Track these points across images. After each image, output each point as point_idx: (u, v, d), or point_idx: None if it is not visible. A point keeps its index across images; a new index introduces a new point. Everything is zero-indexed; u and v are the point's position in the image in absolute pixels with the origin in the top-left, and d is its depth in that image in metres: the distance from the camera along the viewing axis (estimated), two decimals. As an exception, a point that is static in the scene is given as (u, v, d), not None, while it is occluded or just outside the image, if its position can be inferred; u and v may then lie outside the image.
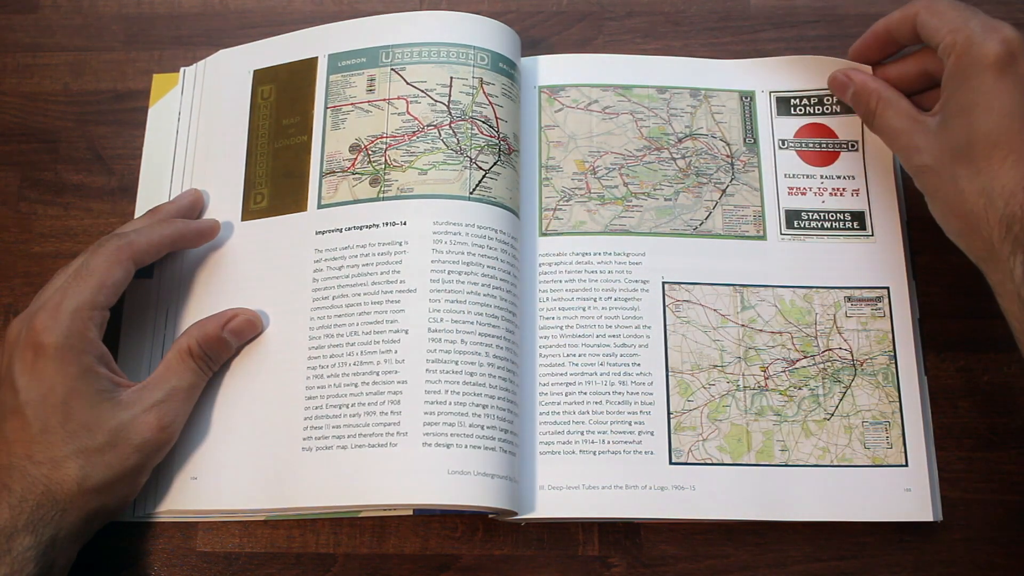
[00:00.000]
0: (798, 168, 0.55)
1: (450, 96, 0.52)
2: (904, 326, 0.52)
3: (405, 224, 0.50)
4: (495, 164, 0.52)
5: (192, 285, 0.52)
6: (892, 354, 0.51)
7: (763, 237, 0.53)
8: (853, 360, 0.51)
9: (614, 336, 0.51)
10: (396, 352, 0.47)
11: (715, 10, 0.60)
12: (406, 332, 0.48)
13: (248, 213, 0.53)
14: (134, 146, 0.57)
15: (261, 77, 0.56)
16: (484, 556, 0.49)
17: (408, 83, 0.53)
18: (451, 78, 0.52)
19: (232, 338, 0.49)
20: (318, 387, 0.48)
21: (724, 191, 0.54)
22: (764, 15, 0.60)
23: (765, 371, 0.51)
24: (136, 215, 0.55)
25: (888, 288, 0.52)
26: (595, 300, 0.52)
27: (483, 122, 0.52)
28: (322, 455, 0.47)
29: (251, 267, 0.52)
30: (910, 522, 0.48)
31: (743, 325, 0.52)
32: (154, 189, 0.55)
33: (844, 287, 0.52)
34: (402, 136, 0.52)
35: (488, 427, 0.47)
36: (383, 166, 0.51)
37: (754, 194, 0.54)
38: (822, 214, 0.54)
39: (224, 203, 0.54)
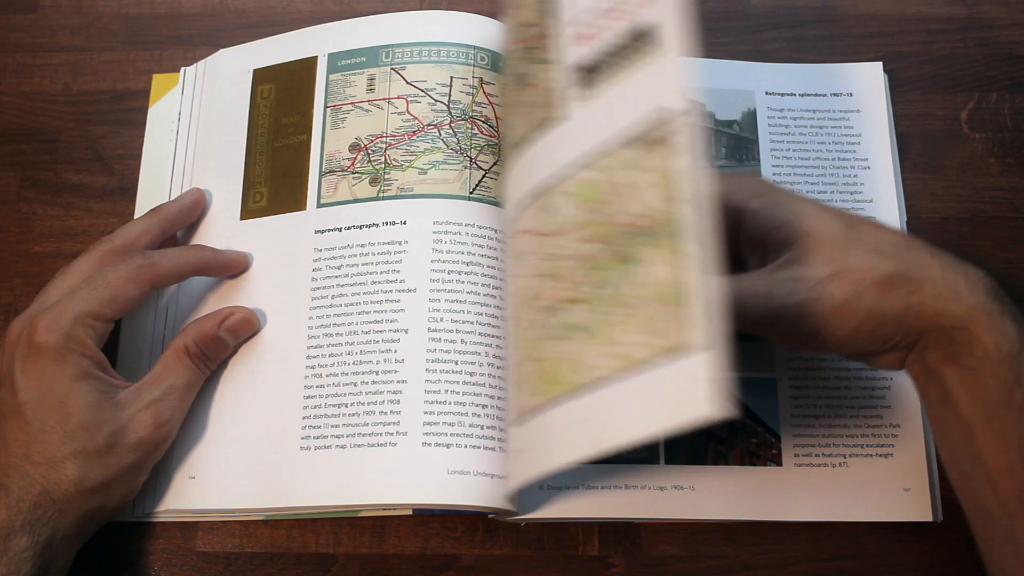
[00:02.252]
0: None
1: (450, 96, 0.52)
2: (904, 326, 0.51)
3: (405, 223, 0.50)
4: (495, 164, 0.52)
5: (191, 285, 0.52)
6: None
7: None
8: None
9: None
10: (395, 352, 0.47)
11: (715, 10, 0.60)
12: (405, 332, 0.48)
13: (247, 212, 0.53)
14: (134, 146, 0.57)
15: (261, 76, 0.56)
16: (484, 556, 0.49)
17: (408, 82, 0.53)
18: (451, 78, 0.52)
19: (228, 336, 0.49)
20: (317, 386, 0.48)
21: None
22: (764, 15, 0.60)
23: None
24: (136, 215, 0.55)
25: (888, 288, 0.52)
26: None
27: (483, 122, 0.52)
28: (321, 454, 0.47)
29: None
30: (910, 522, 0.48)
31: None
32: (154, 189, 0.55)
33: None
34: (402, 136, 0.52)
35: (488, 427, 0.47)
36: (383, 165, 0.51)
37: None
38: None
39: (223, 202, 0.54)
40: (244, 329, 0.49)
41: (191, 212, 0.52)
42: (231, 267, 0.51)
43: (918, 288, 0.38)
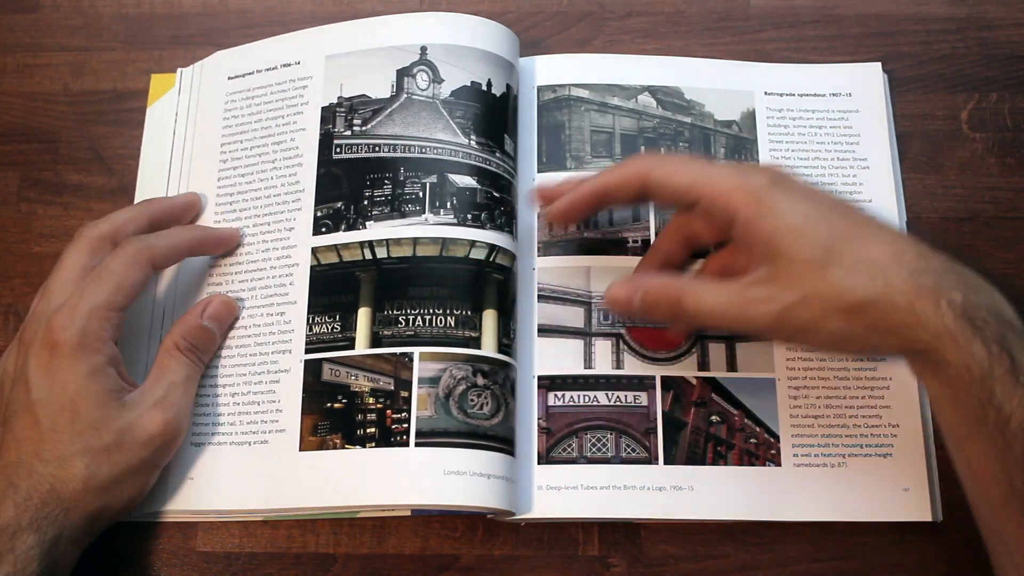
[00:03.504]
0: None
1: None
2: (904, 326, 0.51)
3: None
4: (495, 164, 0.52)
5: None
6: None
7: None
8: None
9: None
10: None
11: (715, 10, 0.60)
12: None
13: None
14: (134, 146, 0.57)
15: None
16: (484, 556, 0.49)
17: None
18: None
19: (212, 324, 0.49)
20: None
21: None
22: (764, 15, 0.60)
23: None
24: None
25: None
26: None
27: (483, 122, 0.52)
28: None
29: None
30: (910, 522, 0.48)
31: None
32: (153, 189, 0.55)
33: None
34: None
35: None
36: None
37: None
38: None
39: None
40: (225, 314, 0.49)
41: (182, 212, 0.52)
42: (224, 243, 0.51)
43: (883, 316, 0.39)
